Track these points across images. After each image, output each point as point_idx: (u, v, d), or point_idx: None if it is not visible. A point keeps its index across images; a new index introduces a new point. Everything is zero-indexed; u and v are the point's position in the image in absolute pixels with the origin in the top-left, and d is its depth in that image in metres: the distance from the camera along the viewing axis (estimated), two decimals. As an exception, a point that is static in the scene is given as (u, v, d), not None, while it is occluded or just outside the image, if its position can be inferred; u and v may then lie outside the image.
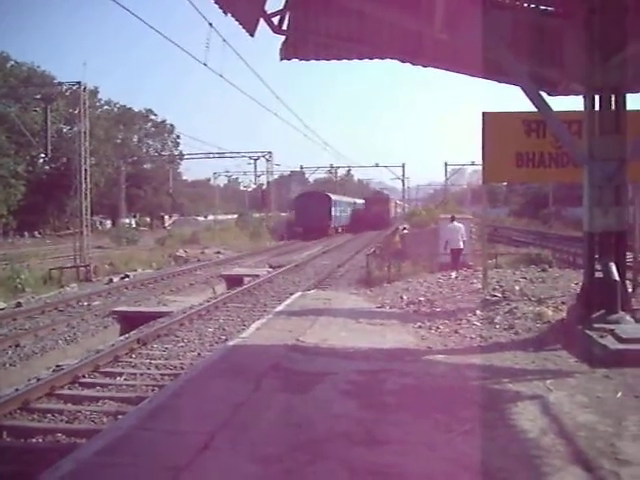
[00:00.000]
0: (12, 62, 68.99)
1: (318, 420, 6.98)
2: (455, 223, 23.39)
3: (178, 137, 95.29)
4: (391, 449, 6.16)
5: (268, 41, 14.71)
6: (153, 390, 11.33)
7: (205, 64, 12.78)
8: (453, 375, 8.84)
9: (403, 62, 13.51)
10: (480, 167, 17.17)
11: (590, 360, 9.24)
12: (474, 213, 41.37)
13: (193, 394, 8.27)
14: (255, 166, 77.84)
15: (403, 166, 72.05)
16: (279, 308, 15.38)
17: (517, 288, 15.42)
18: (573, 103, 13.46)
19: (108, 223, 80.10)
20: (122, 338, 16.71)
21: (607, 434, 6.35)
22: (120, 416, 9.27)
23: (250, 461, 5.86)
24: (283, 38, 13.16)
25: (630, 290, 12.69)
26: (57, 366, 13.69)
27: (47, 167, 71.78)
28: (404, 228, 40.96)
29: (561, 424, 6.71)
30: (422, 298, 15.79)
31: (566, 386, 8.14)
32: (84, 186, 31.84)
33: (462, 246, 22.86)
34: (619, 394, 7.73)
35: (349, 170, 44.32)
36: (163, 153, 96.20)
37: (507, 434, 6.44)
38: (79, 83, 32.58)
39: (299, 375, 8.86)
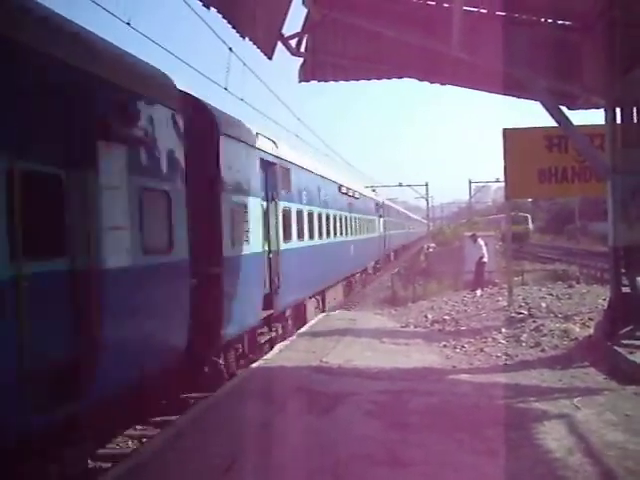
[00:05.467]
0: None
1: (341, 441, 6.92)
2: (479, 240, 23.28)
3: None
4: (416, 471, 6.08)
5: (287, 63, 14.81)
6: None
7: (226, 88, 12.89)
8: (478, 394, 8.72)
9: (421, 81, 13.55)
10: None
11: (619, 377, 9.07)
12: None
13: (217, 416, 8.26)
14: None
15: (427, 185, 71.54)
16: (303, 329, 15.34)
17: (543, 305, 15.25)
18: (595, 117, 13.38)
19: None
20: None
21: (637, 453, 6.20)
22: (145, 439, 9.27)
23: (272, 484, 5.83)
24: (302, 60, 13.29)
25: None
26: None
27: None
28: (429, 247, 40.76)
29: (589, 443, 6.57)
30: (447, 317, 15.66)
31: (594, 404, 7.98)
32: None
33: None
34: (649, 412, 7.56)
35: (373, 190, 43.29)
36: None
37: (533, 454, 6.33)
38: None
39: (323, 396, 8.79)
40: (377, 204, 36.53)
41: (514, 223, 47.54)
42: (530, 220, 61.52)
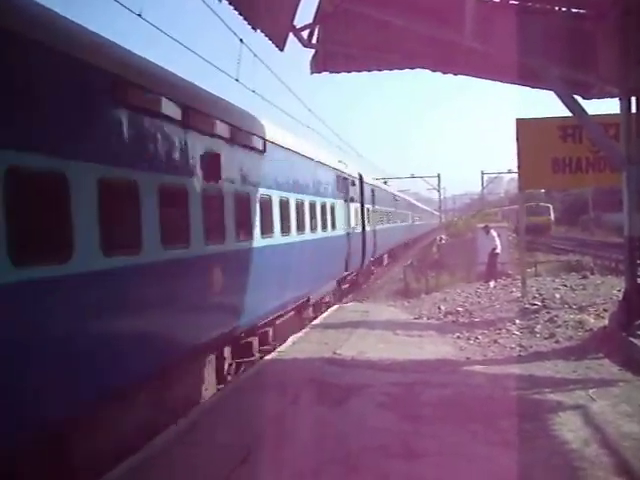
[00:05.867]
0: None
1: (354, 433, 6.92)
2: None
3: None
4: (429, 462, 6.07)
5: (298, 54, 14.72)
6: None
7: (237, 79, 12.86)
8: (492, 386, 8.70)
9: (433, 71, 13.45)
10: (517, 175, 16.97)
11: (634, 368, 9.00)
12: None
13: (230, 408, 8.29)
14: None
15: (439, 176, 71.22)
16: (316, 321, 15.34)
17: (557, 296, 15.16)
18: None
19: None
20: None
21: (653, 444, 6.17)
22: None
23: (287, 475, 5.83)
24: (313, 52, 13.23)
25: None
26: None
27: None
28: (441, 238, 40.62)
29: (604, 434, 6.54)
30: (460, 308, 15.60)
31: (609, 395, 7.94)
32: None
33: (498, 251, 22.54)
34: (665, 403, 7.51)
35: (385, 182, 42.09)
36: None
37: (549, 445, 6.30)
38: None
39: (335, 388, 8.80)
40: (343, 179, 20.68)
41: (535, 214, 45.56)
42: (552, 211, 58.36)
